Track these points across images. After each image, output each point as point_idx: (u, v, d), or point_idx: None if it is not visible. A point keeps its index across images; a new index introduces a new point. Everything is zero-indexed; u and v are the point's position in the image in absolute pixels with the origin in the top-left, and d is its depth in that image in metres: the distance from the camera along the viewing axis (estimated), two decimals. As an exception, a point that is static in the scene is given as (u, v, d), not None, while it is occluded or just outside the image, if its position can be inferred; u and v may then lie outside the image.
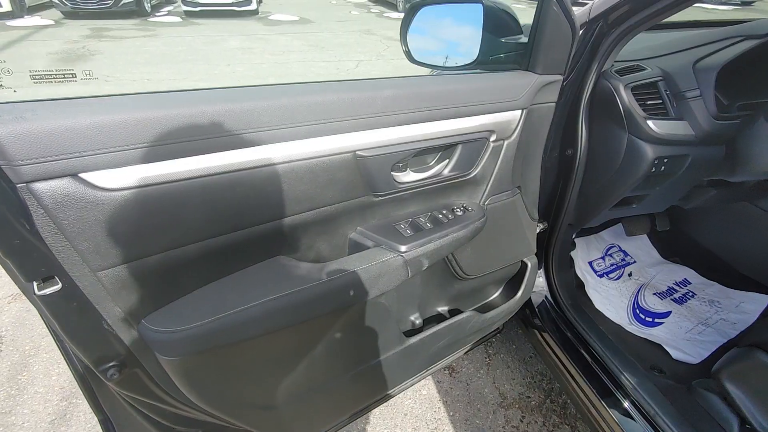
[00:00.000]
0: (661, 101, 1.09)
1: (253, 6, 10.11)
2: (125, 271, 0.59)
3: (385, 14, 11.12)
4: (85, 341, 0.63)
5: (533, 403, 1.65)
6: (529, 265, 1.23)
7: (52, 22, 8.67)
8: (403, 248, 0.81)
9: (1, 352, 1.80)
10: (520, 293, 1.23)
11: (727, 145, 1.14)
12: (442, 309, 1.19)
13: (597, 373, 1.20)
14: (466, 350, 1.48)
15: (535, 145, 1.06)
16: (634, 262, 1.75)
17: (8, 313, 2.00)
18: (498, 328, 1.58)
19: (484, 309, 1.25)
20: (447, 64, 1.07)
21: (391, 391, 1.14)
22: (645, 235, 1.82)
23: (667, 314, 1.49)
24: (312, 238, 0.80)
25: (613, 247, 1.78)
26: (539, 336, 1.44)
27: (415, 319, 1.11)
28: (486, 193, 0.99)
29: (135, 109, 0.55)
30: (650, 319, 1.47)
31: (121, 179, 0.54)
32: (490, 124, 0.90)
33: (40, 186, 0.50)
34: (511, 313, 1.29)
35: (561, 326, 1.36)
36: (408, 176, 0.85)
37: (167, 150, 0.56)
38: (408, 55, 1.11)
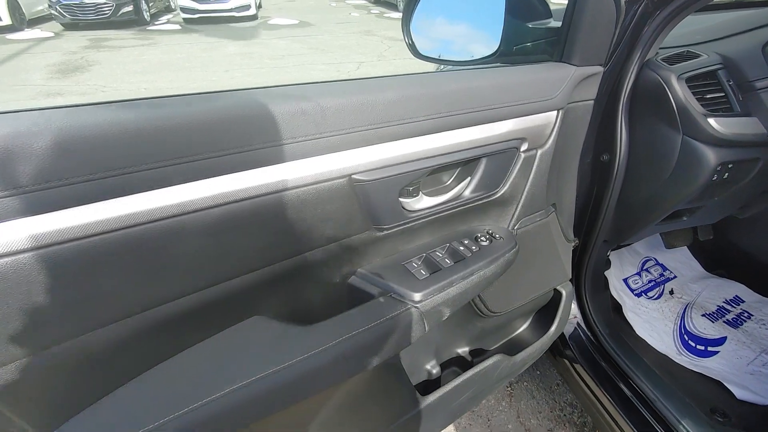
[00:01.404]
0: (723, 94, 0.89)
1: (252, 11, 10.01)
2: (15, 370, 0.41)
3: (385, 15, 10.96)
4: None
5: (565, 441, 1.45)
6: (564, 293, 1.03)
7: (52, 34, 8.63)
8: (417, 296, 0.63)
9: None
10: (553, 327, 1.03)
11: None
12: (463, 350, 1.00)
13: (644, 416, 1.01)
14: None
15: (571, 153, 0.87)
16: (675, 277, 1.54)
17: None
18: None
19: (511, 346, 1.06)
20: (461, 59, 0.88)
21: None
22: (686, 247, 1.61)
23: (721, 341, 1.28)
24: (298, 287, 0.62)
25: (649, 260, 1.58)
26: (570, 367, 1.24)
27: (432, 367, 0.92)
28: (515, 216, 0.81)
29: (32, 133, 0.37)
30: (702, 347, 1.27)
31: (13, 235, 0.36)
32: (520, 130, 0.72)
33: None
34: (543, 351, 1.10)
35: (597, 358, 1.17)
36: (420, 202, 0.67)
37: (71, 192, 0.38)
38: (412, 49, 0.92)
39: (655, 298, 1.46)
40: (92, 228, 0.40)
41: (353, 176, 0.56)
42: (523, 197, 0.79)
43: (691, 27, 1.07)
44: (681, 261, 1.60)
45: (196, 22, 9.76)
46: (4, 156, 0.36)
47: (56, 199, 0.38)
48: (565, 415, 1.55)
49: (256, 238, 0.51)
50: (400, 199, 0.63)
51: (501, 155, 0.71)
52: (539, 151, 0.77)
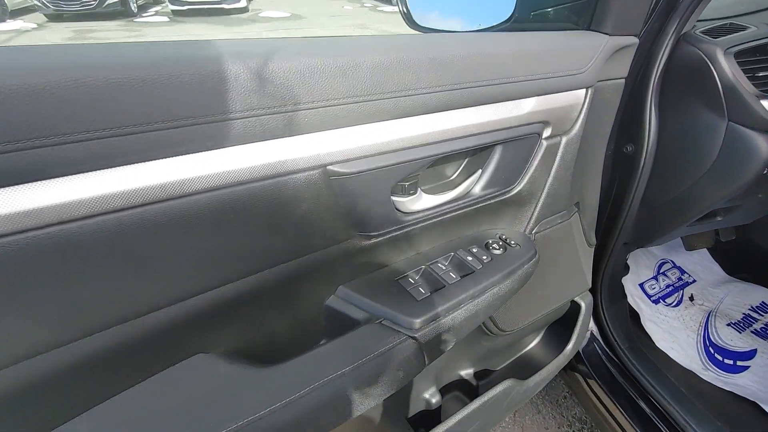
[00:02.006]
0: None
1: (242, 3, 9.80)
2: None
3: (378, 8, 10.79)
4: None
5: (575, 462, 1.32)
6: (583, 306, 0.89)
7: (35, 26, 8.39)
8: (416, 323, 0.48)
9: None
10: (570, 345, 0.90)
11: None
12: (467, 372, 0.86)
13: None
14: None
15: (597, 142, 0.73)
16: (694, 281, 1.41)
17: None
18: None
19: (522, 365, 0.92)
20: (468, 28, 0.74)
21: None
22: (705, 249, 1.48)
23: (751, 354, 1.16)
24: (258, 315, 0.47)
25: (665, 262, 1.45)
26: (582, 381, 1.11)
27: (431, 396, 0.78)
28: (534, 217, 0.66)
29: None
30: (731, 362, 1.14)
31: None
32: (542, 111, 0.57)
33: None
34: (558, 370, 0.96)
35: (615, 373, 1.04)
36: (419, 202, 0.52)
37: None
38: (407, 18, 0.78)
39: (674, 305, 1.33)
40: None
41: (329, 167, 0.41)
42: (544, 195, 0.65)
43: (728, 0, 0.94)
44: (700, 264, 1.47)
45: (184, 14, 9.54)
46: None
47: None
48: (573, 431, 1.42)
49: (199, 252, 0.36)
50: (393, 198, 0.48)
51: (519, 143, 0.57)
52: (564, 138, 0.62)
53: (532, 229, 0.68)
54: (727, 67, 0.73)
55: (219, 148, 0.35)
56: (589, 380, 1.09)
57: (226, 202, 0.37)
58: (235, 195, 0.37)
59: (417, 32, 0.78)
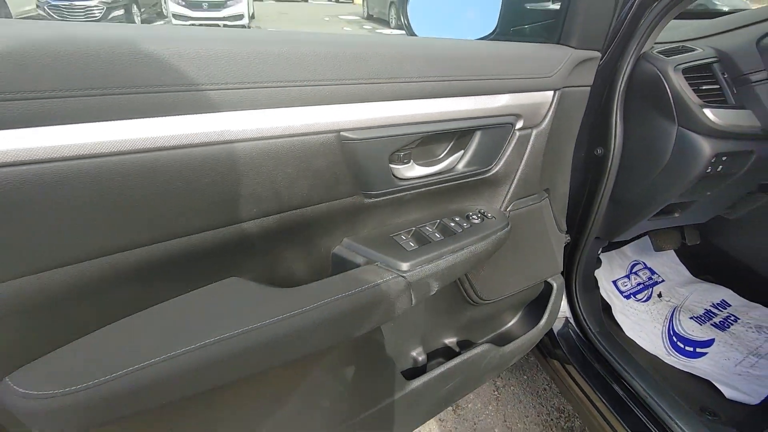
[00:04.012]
0: (717, 86, 0.90)
1: (244, 21, 10.06)
2: None
3: (377, 30, 11.12)
4: None
5: (552, 446, 1.41)
6: (555, 286, 1.01)
7: (38, 34, 8.50)
8: (405, 266, 0.59)
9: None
10: (543, 321, 1.01)
11: None
12: (450, 341, 0.96)
13: (638, 415, 0.98)
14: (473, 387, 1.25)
15: (566, 138, 0.86)
16: (663, 281, 1.54)
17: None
18: None
19: (500, 340, 1.03)
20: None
21: None
22: (672, 251, 1.61)
23: (709, 342, 1.27)
24: (279, 252, 0.58)
25: (637, 264, 1.58)
26: (560, 368, 1.21)
27: (418, 354, 0.88)
28: (509, 197, 0.78)
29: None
30: (691, 349, 1.26)
31: None
32: (515, 105, 0.70)
33: None
34: (533, 345, 1.07)
35: (588, 357, 1.14)
36: (412, 170, 0.64)
37: (39, 109, 0.35)
38: (409, 30, 0.91)
39: (644, 301, 1.45)
40: (62, 151, 0.36)
41: (342, 132, 0.53)
42: (517, 177, 0.77)
43: (686, 28, 1.09)
44: (668, 265, 1.60)
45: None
46: None
47: (29, 116, 0.34)
48: (552, 419, 1.51)
49: (237, 186, 0.47)
50: (391, 165, 0.60)
51: (496, 130, 0.69)
52: (535, 131, 0.75)
53: (507, 207, 0.80)
54: (676, 80, 0.87)
55: (263, 108, 0.46)
56: (566, 365, 1.19)
57: (263, 152, 0.48)
58: (271, 146, 0.48)
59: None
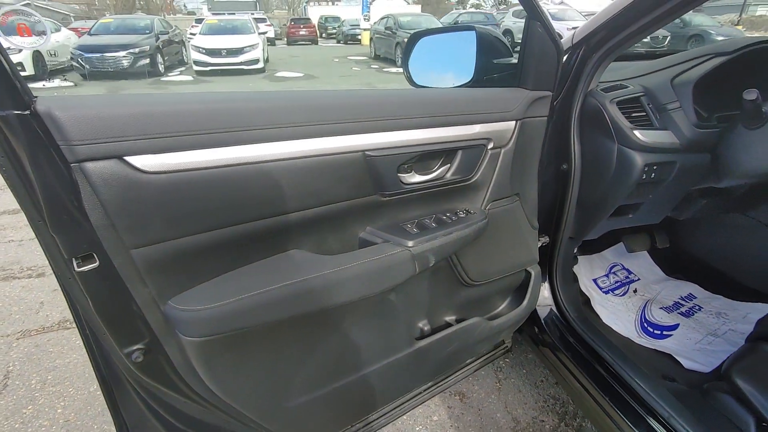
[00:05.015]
0: (644, 113, 1.17)
1: (260, 65, 10.76)
2: (157, 252, 0.64)
3: (384, 69, 11.78)
4: (114, 321, 0.67)
5: (547, 426, 1.60)
6: (533, 273, 1.26)
7: (72, 84, 9.21)
8: (410, 243, 0.86)
9: (8, 387, 1.79)
10: (525, 302, 1.25)
11: (711, 153, 1.22)
12: (450, 318, 1.21)
13: (610, 383, 1.20)
14: (474, 368, 1.47)
15: (530, 155, 1.13)
16: (638, 279, 1.77)
17: (17, 349, 2.01)
18: (507, 346, 1.58)
19: (492, 319, 1.27)
20: (446, 86, 1.17)
21: (401, 402, 1.14)
22: (646, 253, 1.85)
23: (675, 327, 1.49)
24: (324, 234, 0.85)
25: (616, 265, 1.81)
26: (551, 354, 1.43)
27: (424, 325, 1.13)
28: (487, 198, 1.06)
29: (174, 102, 0.63)
30: (659, 332, 1.47)
31: (159, 164, 0.61)
32: (487, 132, 0.98)
33: (90, 166, 0.56)
34: (519, 323, 1.31)
35: (570, 339, 1.37)
36: (413, 177, 0.92)
37: (200, 140, 0.64)
38: (410, 80, 1.22)
39: (621, 295, 1.67)
40: (212, 163, 0.65)
41: (366, 152, 0.81)
42: (492, 184, 1.04)
43: (625, 70, 1.38)
44: (644, 266, 1.83)
45: (206, 74, 10.45)
46: (175, 114, 0.62)
47: (196, 143, 0.64)
48: (548, 405, 1.70)
49: (302, 186, 0.75)
50: (399, 174, 0.88)
51: (473, 149, 0.98)
52: (503, 150, 1.03)
53: (486, 207, 1.07)
54: (612, 110, 1.16)
55: (319, 137, 0.75)
56: (556, 352, 1.41)
57: (317, 165, 0.76)
58: (322, 161, 0.77)
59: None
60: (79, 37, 11.32)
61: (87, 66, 9.58)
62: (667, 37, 11.84)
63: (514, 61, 1.09)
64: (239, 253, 0.75)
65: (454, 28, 1.20)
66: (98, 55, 9.59)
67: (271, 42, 18.63)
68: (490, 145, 1.00)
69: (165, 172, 0.62)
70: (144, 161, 0.60)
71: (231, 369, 0.78)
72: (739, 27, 17.32)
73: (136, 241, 0.62)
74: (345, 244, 0.90)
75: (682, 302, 1.62)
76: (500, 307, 1.32)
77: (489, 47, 1.12)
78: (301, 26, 20.97)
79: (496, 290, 1.27)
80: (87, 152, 0.56)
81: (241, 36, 10.83)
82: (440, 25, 13.96)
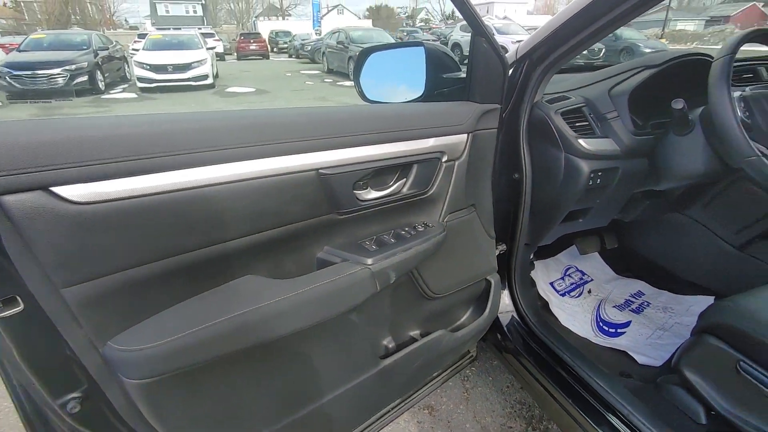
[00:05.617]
0: (587, 123, 1.23)
1: (209, 80, 10.46)
2: (92, 289, 0.59)
3: (338, 83, 11.80)
4: (44, 369, 0.60)
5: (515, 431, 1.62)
6: (493, 282, 1.27)
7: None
8: (369, 261, 0.84)
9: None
10: (487, 311, 1.26)
11: (649, 158, 1.29)
12: (414, 333, 1.19)
13: (571, 385, 1.23)
14: (442, 381, 1.46)
15: (483, 166, 1.15)
16: (592, 280, 1.84)
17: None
18: (472, 356, 1.59)
19: (456, 330, 1.27)
20: (398, 101, 1.18)
21: (370, 422, 1.10)
22: (597, 254, 1.94)
23: (627, 324, 1.56)
24: (279, 257, 0.82)
25: (570, 267, 1.88)
26: (515, 360, 1.45)
27: (388, 343, 1.11)
28: (444, 211, 1.06)
29: (108, 126, 0.58)
30: (613, 330, 1.54)
31: (91, 193, 0.56)
32: (440, 145, 0.99)
33: (9, 199, 0.50)
34: (482, 332, 1.31)
35: (531, 344, 1.39)
36: (369, 194, 0.90)
37: (138, 165, 0.59)
38: (362, 95, 1.21)
39: (576, 297, 1.73)
40: (153, 189, 0.60)
41: (320, 170, 0.79)
42: (448, 196, 1.05)
43: (567, 82, 1.45)
44: (596, 267, 1.91)
45: (152, 90, 10.02)
46: (102, 140, 0.57)
47: (134, 169, 0.59)
48: (515, 411, 1.73)
49: (255, 208, 0.72)
50: (354, 191, 0.86)
51: (428, 162, 0.98)
52: (457, 162, 1.04)
53: (443, 219, 1.07)
54: (557, 121, 1.20)
55: (270, 157, 0.72)
56: (519, 358, 1.43)
57: (271, 184, 0.73)
58: (275, 181, 0.73)
59: (368, 103, 1.22)
60: (7, 53, 10.54)
61: (17, 84, 8.91)
62: (602, 49, 12.72)
63: (463, 75, 1.11)
64: (187, 283, 0.70)
65: (403, 44, 1.22)
66: (29, 72, 8.93)
67: (220, 57, 18.24)
68: (445, 158, 1.01)
69: (99, 202, 0.56)
70: (73, 191, 0.55)
71: (182, 409, 0.72)
72: (663, 40, 19.02)
73: (67, 279, 0.56)
74: (303, 265, 0.86)
75: (632, 299, 1.70)
76: (463, 318, 1.33)
77: (438, 62, 1.13)
78: (251, 41, 20.66)
79: (458, 301, 1.27)
80: (5, 184, 0.50)
81: (189, 51, 10.49)
82: (392, 40, 14.26)
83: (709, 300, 1.59)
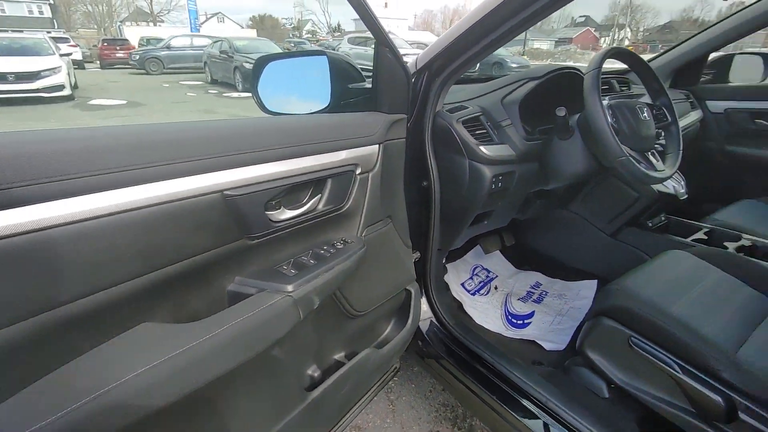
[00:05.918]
0: (485, 131, 1.30)
1: (66, 91, 9.03)
2: None
3: (224, 94, 11.11)
4: None
5: (443, 435, 1.64)
6: (413, 291, 1.27)
7: None
8: (290, 287, 0.76)
9: None
10: (410, 321, 1.25)
11: (539, 161, 1.42)
12: (339, 355, 1.13)
13: (490, 379, 1.27)
14: (369, 399, 1.41)
15: (395, 176, 1.14)
16: (496, 276, 1.96)
17: None
18: (396, 367, 1.57)
19: (381, 345, 1.23)
20: (301, 112, 1.11)
21: None
22: (499, 252, 2.08)
23: (532, 314, 1.69)
24: (183, 296, 0.69)
25: (477, 267, 1.98)
26: (436, 364, 1.47)
27: (313, 372, 1.02)
28: (361, 225, 1.02)
29: None
30: (521, 322, 1.65)
31: None
32: (353, 158, 0.95)
33: None
34: (407, 343, 1.30)
35: (451, 346, 1.42)
36: (283, 214, 0.82)
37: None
38: (261, 106, 1.12)
39: (485, 294, 1.83)
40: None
41: (225, 192, 0.69)
42: (365, 210, 1.01)
43: (463, 92, 1.53)
44: (498, 264, 2.05)
45: (-9, 103, 8.33)
46: None
47: None
48: (440, 414, 1.75)
49: (147, 243, 0.59)
50: (266, 212, 0.78)
51: (342, 176, 0.93)
52: (370, 174, 1.01)
53: (362, 233, 1.03)
54: (459, 129, 1.25)
55: (162, 181, 0.61)
56: (441, 361, 1.45)
57: (166, 213, 0.61)
58: (171, 209, 0.62)
59: (268, 115, 1.13)
60: None
61: None
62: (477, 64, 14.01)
63: (368, 85, 1.09)
64: (59, 345, 0.54)
65: (304, 53, 1.15)
66: None
67: (79, 65, 15.89)
68: (359, 170, 0.97)
69: None
70: None
71: None
72: (525, 57, 21.69)
73: None
74: (212, 302, 0.74)
75: (533, 290, 1.85)
76: (387, 331, 1.30)
77: (342, 72, 1.09)
78: (118, 47, 18.45)
79: (381, 315, 1.24)
80: None
81: (36, 57, 8.93)
82: (279, 50, 13.91)
83: (593, 283, 1.81)
